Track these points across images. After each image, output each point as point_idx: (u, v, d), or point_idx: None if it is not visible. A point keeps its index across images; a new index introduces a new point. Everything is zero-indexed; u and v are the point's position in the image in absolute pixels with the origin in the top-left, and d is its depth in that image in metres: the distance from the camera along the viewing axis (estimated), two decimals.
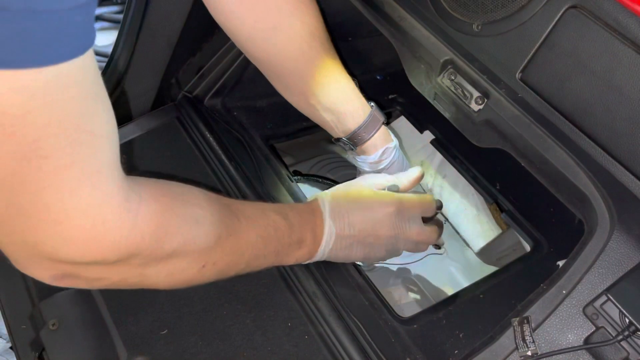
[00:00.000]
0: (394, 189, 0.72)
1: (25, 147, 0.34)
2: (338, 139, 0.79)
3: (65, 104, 0.35)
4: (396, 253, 0.73)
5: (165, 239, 0.46)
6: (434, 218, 0.76)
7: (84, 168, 0.38)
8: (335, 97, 0.74)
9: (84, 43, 0.35)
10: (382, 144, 0.78)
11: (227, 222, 0.54)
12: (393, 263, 0.90)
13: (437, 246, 0.84)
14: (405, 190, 0.74)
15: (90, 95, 0.37)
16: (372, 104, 0.78)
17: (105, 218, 0.40)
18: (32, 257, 0.40)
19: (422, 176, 0.77)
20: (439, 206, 0.74)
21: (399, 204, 0.69)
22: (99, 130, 0.38)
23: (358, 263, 0.76)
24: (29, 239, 0.38)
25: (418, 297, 0.88)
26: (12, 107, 0.33)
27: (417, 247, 0.73)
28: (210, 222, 0.51)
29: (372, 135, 0.76)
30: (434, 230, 0.73)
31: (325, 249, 0.66)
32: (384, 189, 0.72)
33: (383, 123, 0.78)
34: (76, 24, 0.34)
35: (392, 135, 0.80)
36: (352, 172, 1.03)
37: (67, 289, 0.67)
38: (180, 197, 0.49)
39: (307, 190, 0.94)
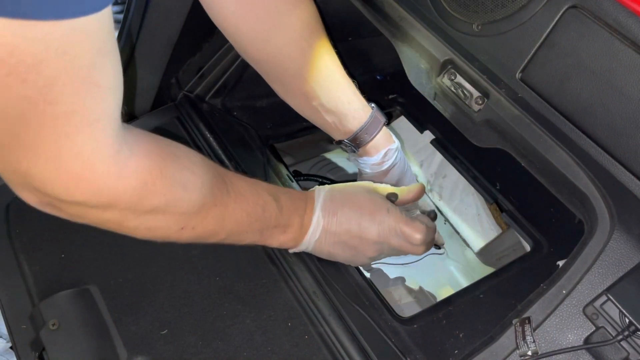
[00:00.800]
0: (393, 197, 0.72)
1: (35, 92, 0.36)
2: (339, 141, 0.79)
3: (77, 57, 0.37)
4: (378, 259, 0.73)
5: (146, 196, 0.48)
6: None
7: (84, 116, 0.40)
8: (337, 98, 0.74)
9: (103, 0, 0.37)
10: (384, 145, 0.78)
11: (216, 192, 0.55)
12: (393, 263, 0.90)
13: (437, 246, 0.84)
14: (404, 202, 0.74)
15: (101, 49, 0.39)
16: (373, 105, 0.77)
17: (93, 165, 0.42)
18: (23, 184, 0.43)
19: (423, 191, 0.76)
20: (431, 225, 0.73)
21: (390, 213, 0.69)
22: (105, 82, 0.41)
23: None
24: (22, 168, 0.41)
25: (418, 297, 0.88)
26: (28, 55, 0.35)
27: (399, 253, 0.73)
28: (198, 188, 0.52)
29: (374, 137, 0.76)
30: (421, 246, 0.71)
31: (311, 239, 0.66)
32: (383, 196, 0.71)
33: (384, 124, 0.78)
34: None
35: (394, 137, 0.80)
36: (352, 172, 1.03)
37: (67, 288, 0.67)
38: (174, 159, 0.50)
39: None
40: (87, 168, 0.42)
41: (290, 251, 0.69)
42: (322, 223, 0.66)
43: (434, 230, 0.74)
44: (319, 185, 0.97)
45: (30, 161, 0.41)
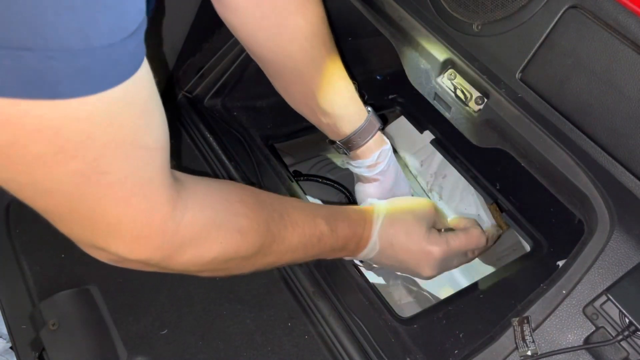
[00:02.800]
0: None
1: (86, 166, 0.37)
2: (332, 142, 0.79)
3: (122, 125, 0.38)
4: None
5: (204, 247, 0.49)
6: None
7: (137, 180, 0.41)
8: (334, 101, 0.74)
9: (136, 62, 0.37)
10: (376, 147, 0.78)
11: (273, 229, 0.55)
12: None
13: None
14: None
15: (144, 110, 0.40)
16: (369, 109, 0.77)
17: (151, 225, 0.44)
18: (90, 246, 0.45)
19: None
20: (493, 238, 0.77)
21: (447, 249, 0.71)
22: (153, 143, 0.41)
23: (358, 263, 0.77)
24: (86, 235, 0.43)
25: (418, 297, 0.87)
26: (75, 134, 0.35)
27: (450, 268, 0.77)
28: (255, 231, 0.53)
29: (367, 141, 0.77)
30: (474, 256, 0.76)
31: (365, 258, 0.69)
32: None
33: (379, 129, 0.78)
34: (129, 51, 0.36)
35: (385, 138, 0.80)
36: (352, 172, 1.03)
37: (67, 288, 0.67)
38: (227, 206, 0.51)
39: (307, 190, 0.94)
40: (145, 228, 0.43)
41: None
42: (378, 248, 0.68)
43: (487, 233, 0.78)
44: (318, 185, 0.97)
45: (93, 230, 0.42)
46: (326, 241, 0.62)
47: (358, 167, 0.80)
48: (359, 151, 0.78)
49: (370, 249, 0.68)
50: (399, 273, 0.89)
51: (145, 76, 0.39)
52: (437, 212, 0.75)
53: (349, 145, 0.77)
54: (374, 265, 0.88)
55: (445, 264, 0.72)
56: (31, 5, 0.30)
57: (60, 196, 0.39)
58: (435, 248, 0.70)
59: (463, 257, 0.75)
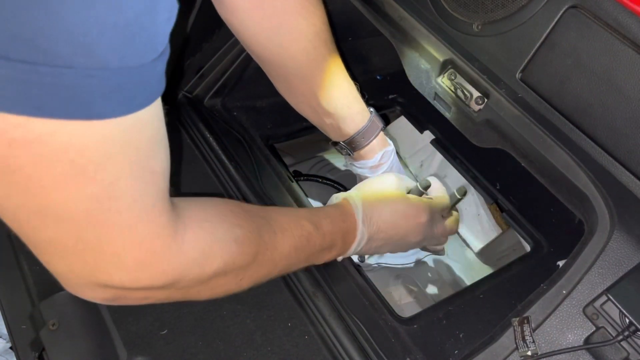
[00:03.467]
0: (416, 191, 0.74)
1: (102, 190, 0.37)
2: (335, 143, 0.79)
3: (140, 147, 0.38)
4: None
5: (207, 263, 0.49)
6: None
7: (144, 204, 0.41)
8: (337, 101, 0.74)
9: (159, 88, 0.38)
10: (380, 148, 0.78)
11: (265, 236, 0.56)
12: (393, 263, 0.90)
13: (438, 253, 0.84)
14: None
15: (157, 134, 0.40)
16: (372, 109, 0.77)
17: (155, 249, 0.43)
18: (88, 284, 0.43)
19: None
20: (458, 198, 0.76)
21: (431, 211, 0.71)
22: (159, 167, 0.41)
23: (358, 263, 0.77)
24: (87, 268, 0.42)
25: (418, 297, 0.88)
26: (97, 155, 0.35)
27: (439, 241, 0.77)
28: (249, 240, 0.53)
29: (370, 141, 0.77)
30: (454, 221, 0.77)
31: (355, 250, 0.68)
32: (409, 191, 0.74)
33: (382, 129, 0.78)
34: (157, 72, 0.36)
35: (389, 140, 0.80)
36: (352, 172, 1.03)
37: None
38: (222, 219, 0.51)
39: (307, 190, 0.94)
40: (150, 254, 0.43)
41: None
42: (366, 235, 0.67)
43: (457, 215, 0.79)
44: (318, 185, 0.97)
45: (97, 260, 0.41)
46: (314, 240, 0.62)
47: (361, 167, 0.80)
48: (363, 152, 0.77)
49: (360, 240, 0.67)
50: (399, 265, 0.89)
51: (159, 103, 0.39)
52: (401, 180, 0.74)
53: (352, 145, 0.77)
54: (374, 265, 0.88)
55: (430, 230, 0.72)
56: (78, 23, 0.30)
57: (69, 223, 0.38)
58: (422, 214, 0.70)
59: (440, 219, 0.75)
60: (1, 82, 0.30)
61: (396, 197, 0.70)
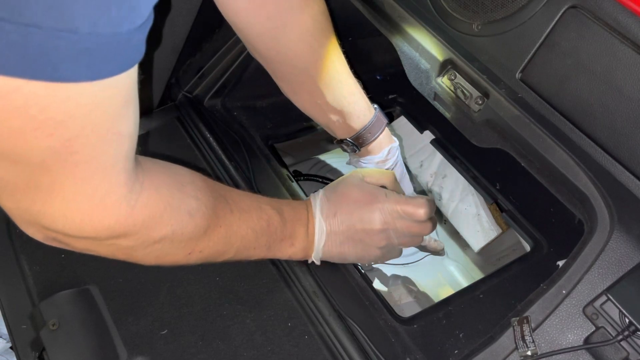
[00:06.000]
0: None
1: (60, 144, 0.37)
2: (340, 141, 0.79)
3: (106, 111, 0.38)
4: (394, 252, 0.72)
5: (155, 228, 0.49)
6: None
7: (103, 162, 0.41)
8: (343, 98, 0.74)
9: (134, 58, 0.38)
10: (386, 144, 0.78)
11: (220, 213, 0.56)
12: (393, 263, 0.90)
13: (438, 253, 0.84)
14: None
15: (127, 100, 0.40)
16: (376, 105, 0.78)
17: (105, 205, 0.44)
18: (30, 222, 0.45)
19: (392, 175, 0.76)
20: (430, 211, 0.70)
21: (385, 199, 0.68)
22: (126, 130, 0.41)
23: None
24: (34, 208, 0.42)
25: (418, 297, 0.88)
26: (58, 113, 0.35)
27: (412, 240, 0.72)
28: (202, 213, 0.53)
29: (377, 137, 0.77)
30: (428, 223, 0.71)
31: (319, 246, 0.67)
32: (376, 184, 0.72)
33: (387, 124, 0.78)
34: (133, 43, 0.36)
35: (394, 137, 0.80)
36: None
37: (67, 288, 0.67)
38: (179, 188, 0.52)
39: (307, 190, 0.94)
40: (100, 208, 0.43)
41: (310, 261, 0.69)
42: (325, 226, 0.66)
43: (434, 203, 0.73)
44: (318, 185, 0.97)
45: (45, 203, 0.42)
46: (275, 225, 0.62)
47: (367, 163, 0.80)
48: (370, 147, 0.78)
49: (319, 232, 0.66)
50: (399, 265, 0.89)
51: (134, 70, 0.39)
52: (372, 177, 0.72)
53: (359, 141, 0.77)
54: (373, 265, 0.88)
55: (391, 218, 0.68)
56: None
57: (24, 166, 0.39)
58: (376, 198, 0.67)
59: (407, 222, 0.69)
60: None
61: (352, 188, 0.69)
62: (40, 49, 0.32)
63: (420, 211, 0.68)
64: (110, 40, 0.34)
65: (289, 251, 0.65)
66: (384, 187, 0.72)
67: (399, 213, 0.68)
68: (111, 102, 0.38)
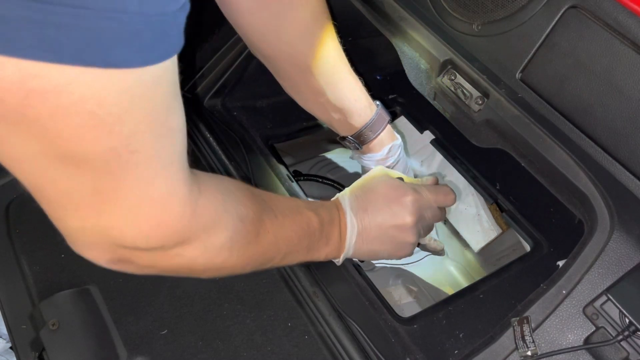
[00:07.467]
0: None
1: (120, 142, 0.36)
2: (343, 138, 0.79)
3: (157, 102, 0.37)
4: (416, 242, 0.74)
5: (215, 232, 0.48)
6: None
7: (162, 160, 0.40)
8: (344, 95, 0.74)
9: (179, 42, 0.37)
10: (388, 141, 0.78)
11: (266, 219, 0.55)
12: (393, 263, 0.90)
13: (438, 253, 0.84)
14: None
15: (173, 91, 0.39)
16: (378, 102, 0.78)
17: (171, 207, 0.43)
18: (96, 242, 0.43)
19: (435, 182, 0.78)
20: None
21: (415, 192, 0.70)
22: (176, 124, 0.40)
23: (358, 263, 0.76)
24: (100, 223, 0.41)
25: (418, 297, 0.88)
26: (116, 107, 0.34)
27: (429, 229, 0.75)
28: (250, 219, 0.53)
29: (379, 134, 0.77)
30: (444, 209, 0.76)
31: (350, 242, 0.67)
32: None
33: (389, 122, 0.78)
34: (177, 24, 0.35)
35: (397, 134, 0.80)
36: (352, 172, 1.03)
37: (67, 288, 0.67)
38: (229, 194, 0.51)
39: (308, 190, 0.94)
40: (166, 211, 0.42)
41: (337, 262, 0.69)
42: (356, 223, 0.66)
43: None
44: (318, 185, 0.97)
45: (112, 212, 0.40)
46: (314, 226, 0.62)
47: (368, 160, 0.80)
48: (371, 145, 0.78)
49: (351, 230, 0.66)
50: (399, 265, 0.89)
51: (176, 59, 0.38)
52: (390, 171, 0.74)
53: (360, 139, 0.77)
54: (374, 265, 0.88)
55: (420, 212, 0.70)
56: None
57: (87, 173, 0.37)
58: (406, 194, 0.69)
59: (436, 211, 0.73)
60: (17, 25, 0.29)
61: (378, 182, 0.70)
62: (92, 32, 0.30)
63: (452, 197, 0.74)
64: (158, 20, 0.33)
65: (325, 251, 0.65)
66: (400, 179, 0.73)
67: (429, 203, 0.71)
68: (162, 93, 0.37)
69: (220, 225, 0.49)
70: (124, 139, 0.36)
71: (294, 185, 0.82)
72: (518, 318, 0.53)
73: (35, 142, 0.35)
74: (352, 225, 0.66)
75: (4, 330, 1.10)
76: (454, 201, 0.74)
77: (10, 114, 0.32)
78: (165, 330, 0.64)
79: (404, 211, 0.68)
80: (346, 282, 0.70)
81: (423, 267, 0.92)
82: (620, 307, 0.50)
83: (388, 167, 0.79)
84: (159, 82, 0.36)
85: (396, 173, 0.75)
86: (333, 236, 0.65)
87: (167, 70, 0.37)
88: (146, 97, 0.36)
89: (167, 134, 0.39)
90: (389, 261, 0.88)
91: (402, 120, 1.04)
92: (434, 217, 0.73)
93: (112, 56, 0.32)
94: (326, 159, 1.05)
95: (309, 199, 0.79)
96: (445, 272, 0.93)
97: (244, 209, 0.52)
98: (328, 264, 0.70)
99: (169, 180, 0.41)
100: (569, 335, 0.52)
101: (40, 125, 0.33)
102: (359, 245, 0.68)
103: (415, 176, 1.03)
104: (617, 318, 0.51)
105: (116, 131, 0.35)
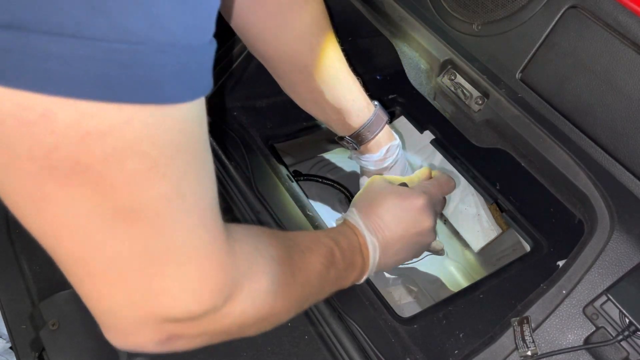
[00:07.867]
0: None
1: (170, 188, 0.33)
2: (341, 138, 0.79)
3: (201, 140, 0.35)
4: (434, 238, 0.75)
5: (256, 278, 0.45)
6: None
7: (205, 205, 0.37)
8: (342, 96, 0.74)
9: (211, 76, 0.35)
10: (385, 142, 0.78)
11: (295, 257, 0.53)
12: None
13: (438, 253, 0.84)
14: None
15: (206, 129, 0.36)
16: (376, 102, 0.78)
17: (217, 258, 0.39)
18: (144, 320, 0.38)
19: (429, 174, 0.78)
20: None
21: (427, 196, 0.69)
22: (210, 163, 0.37)
23: None
24: (151, 291, 0.36)
25: (418, 297, 0.88)
26: (168, 147, 0.32)
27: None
28: (282, 259, 0.50)
29: (376, 135, 0.77)
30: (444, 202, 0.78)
31: (374, 263, 0.66)
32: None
33: (387, 122, 0.78)
34: (212, 56, 0.33)
35: (395, 134, 0.80)
36: (351, 171, 1.03)
37: (67, 288, 0.67)
38: (257, 237, 0.48)
39: (308, 190, 0.94)
40: (212, 263, 0.38)
41: (359, 282, 0.68)
42: (377, 244, 0.65)
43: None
44: (318, 185, 0.97)
45: (163, 276, 0.36)
46: (338, 256, 0.60)
47: (366, 161, 0.80)
48: (369, 145, 0.78)
49: (373, 250, 0.65)
50: (399, 265, 0.89)
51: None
52: (392, 180, 0.74)
53: (358, 139, 0.77)
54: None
55: (434, 210, 0.71)
56: None
57: (138, 231, 0.33)
58: (418, 198, 0.68)
59: (443, 201, 0.76)
60: (79, 65, 0.27)
61: (386, 194, 0.68)
62: (147, 68, 0.29)
63: (453, 184, 0.76)
64: (200, 51, 0.31)
65: (351, 278, 0.64)
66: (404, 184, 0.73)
67: (437, 197, 0.72)
68: (201, 130, 0.34)
69: (259, 270, 0.45)
70: (175, 182, 0.33)
71: (294, 185, 0.82)
72: (518, 318, 0.53)
73: (87, 196, 0.31)
74: (373, 246, 0.65)
75: (4, 330, 1.10)
76: (455, 186, 0.77)
77: (63, 163, 0.29)
78: None
79: (423, 216, 0.68)
80: None
81: (423, 267, 0.92)
82: (620, 307, 0.50)
83: (386, 167, 0.79)
84: (200, 118, 0.34)
85: (396, 178, 0.74)
86: (357, 262, 0.64)
87: (203, 107, 0.35)
88: (194, 134, 0.33)
89: (206, 175, 0.36)
90: None
91: (402, 120, 1.04)
92: (442, 207, 0.75)
93: (166, 92, 0.30)
94: (326, 159, 1.05)
95: (310, 201, 0.79)
96: (445, 272, 0.93)
97: (274, 249, 0.49)
98: None
99: (210, 228, 0.38)
100: (569, 335, 0.52)
101: (94, 173, 0.30)
102: (384, 260, 0.67)
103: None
104: (617, 318, 0.51)
105: (168, 174, 0.32)
